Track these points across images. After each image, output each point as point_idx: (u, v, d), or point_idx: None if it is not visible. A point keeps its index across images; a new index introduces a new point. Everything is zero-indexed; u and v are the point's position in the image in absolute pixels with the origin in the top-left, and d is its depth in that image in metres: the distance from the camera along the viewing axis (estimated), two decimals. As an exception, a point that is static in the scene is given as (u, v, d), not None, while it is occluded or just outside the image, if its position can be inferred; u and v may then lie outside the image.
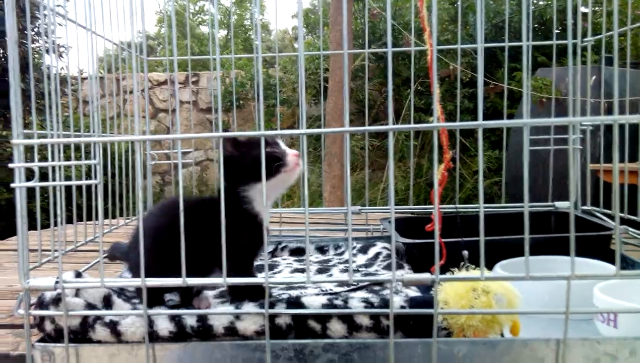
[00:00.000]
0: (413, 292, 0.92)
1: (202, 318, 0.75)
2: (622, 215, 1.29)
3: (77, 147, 1.17)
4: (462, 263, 0.81)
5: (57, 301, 0.76)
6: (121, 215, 1.55)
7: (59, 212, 1.05)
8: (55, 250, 1.10)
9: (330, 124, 3.31)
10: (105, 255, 0.99)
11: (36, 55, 2.85)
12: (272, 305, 0.76)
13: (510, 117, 2.85)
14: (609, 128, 1.49)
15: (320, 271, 1.13)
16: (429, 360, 0.71)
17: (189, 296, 0.90)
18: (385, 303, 0.74)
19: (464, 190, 3.45)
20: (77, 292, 0.80)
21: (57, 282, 0.74)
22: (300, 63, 0.73)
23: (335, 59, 3.32)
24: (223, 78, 4.20)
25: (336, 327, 0.74)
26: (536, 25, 3.75)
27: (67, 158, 1.13)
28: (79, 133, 1.24)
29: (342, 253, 1.34)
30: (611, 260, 0.78)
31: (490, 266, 1.01)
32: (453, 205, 1.42)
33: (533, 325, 0.85)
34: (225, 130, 0.85)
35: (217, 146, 0.87)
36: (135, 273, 0.87)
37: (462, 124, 0.75)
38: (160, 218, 0.87)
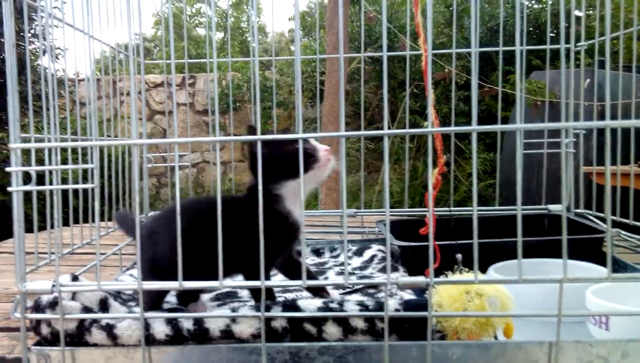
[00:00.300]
0: (408, 295, 0.92)
1: (198, 322, 0.76)
2: (614, 218, 1.30)
3: (74, 149, 1.17)
4: (455, 266, 0.82)
5: (53, 304, 0.76)
6: (117, 217, 1.55)
7: (55, 215, 1.05)
8: (52, 253, 1.10)
9: (326, 126, 3.31)
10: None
11: (32, 57, 2.84)
12: (268, 308, 0.76)
13: (504, 119, 2.87)
14: (601, 131, 1.50)
15: (316, 274, 1.14)
16: (423, 362, 0.72)
17: (193, 296, 0.90)
18: (380, 306, 0.75)
19: (458, 192, 3.47)
20: (74, 295, 0.80)
21: (53, 286, 0.74)
22: (296, 67, 0.73)
23: (332, 62, 3.33)
24: (220, 80, 4.21)
25: (331, 330, 0.75)
26: (531, 29, 3.77)
27: (64, 159, 1.13)
28: (75, 136, 1.24)
29: (337, 256, 1.34)
30: (604, 263, 0.79)
31: (484, 268, 1.02)
32: (447, 208, 1.43)
33: (527, 327, 0.86)
34: (251, 129, 0.83)
35: (213, 148, 0.87)
36: (153, 268, 0.85)
37: (457, 129, 0.76)
38: (187, 217, 0.86)
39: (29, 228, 0.86)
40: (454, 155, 1.70)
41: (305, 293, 0.97)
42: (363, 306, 0.77)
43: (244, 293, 1.01)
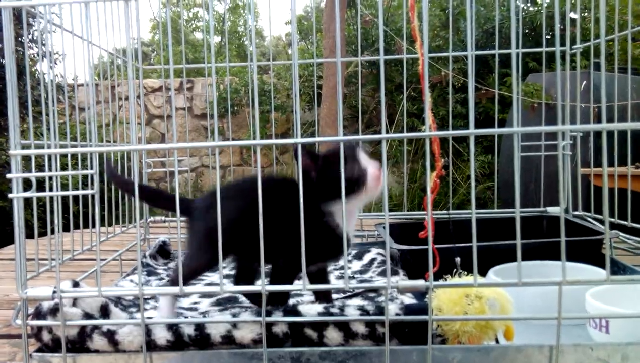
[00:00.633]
0: (408, 299, 0.93)
1: (199, 327, 0.76)
2: (612, 220, 1.30)
3: (74, 155, 1.17)
4: (454, 270, 0.82)
5: (54, 311, 0.76)
6: (117, 223, 1.55)
7: (55, 220, 1.05)
8: (53, 259, 1.10)
9: (324, 130, 3.32)
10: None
11: (31, 63, 2.84)
12: (268, 313, 0.76)
13: (502, 122, 2.87)
14: (599, 133, 1.51)
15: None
16: (424, 366, 0.72)
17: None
18: (380, 310, 0.75)
19: (457, 195, 3.47)
20: (75, 302, 0.80)
21: (54, 292, 0.74)
22: (294, 71, 0.74)
23: (329, 66, 3.34)
24: (218, 84, 4.21)
25: (332, 335, 0.75)
26: (527, 31, 3.78)
27: (64, 165, 1.13)
28: (75, 142, 1.24)
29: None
30: (603, 265, 0.79)
31: (483, 271, 1.03)
32: (446, 211, 1.43)
33: (527, 330, 0.86)
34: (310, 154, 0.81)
35: (212, 153, 0.87)
36: (200, 235, 0.87)
37: (454, 132, 0.76)
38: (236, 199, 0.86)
39: (29, 235, 0.86)
40: (452, 158, 1.71)
41: (307, 298, 0.97)
42: (364, 311, 0.77)
43: (244, 298, 1.01)
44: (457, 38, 3.76)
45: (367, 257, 1.31)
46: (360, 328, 0.75)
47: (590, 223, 1.35)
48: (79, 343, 0.76)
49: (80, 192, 0.83)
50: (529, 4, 3.99)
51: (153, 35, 8.73)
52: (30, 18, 1.58)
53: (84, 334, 0.76)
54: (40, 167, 1.02)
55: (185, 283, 0.81)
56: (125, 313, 0.88)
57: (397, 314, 0.74)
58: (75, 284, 0.83)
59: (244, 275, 0.94)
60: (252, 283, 0.93)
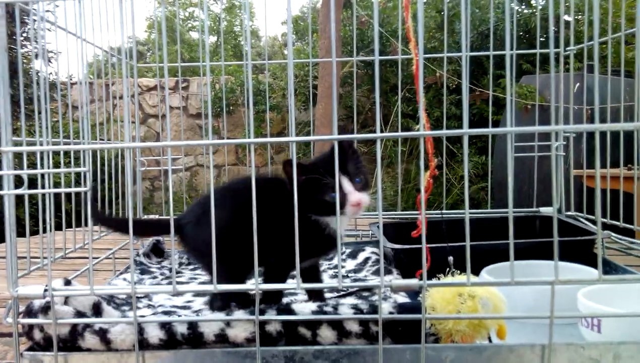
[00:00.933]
0: (402, 298, 0.93)
1: (192, 326, 0.76)
2: (604, 220, 1.31)
3: (67, 153, 1.16)
4: (447, 269, 0.82)
5: (46, 309, 0.76)
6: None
7: (47, 218, 1.04)
8: (44, 258, 1.10)
9: (319, 130, 3.32)
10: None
11: (25, 61, 2.82)
12: (262, 312, 0.76)
13: (496, 123, 2.89)
14: (591, 135, 1.52)
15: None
16: (417, 364, 0.72)
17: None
18: (374, 309, 0.75)
19: (451, 195, 3.48)
20: (66, 300, 0.80)
21: (46, 290, 0.74)
22: (289, 71, 0.74)
23: (325, 66, 3.34)
24: (213, 84, 4.20)
25: (326, 334, 0.75)
26: (521, 33, 3.80)
27: (56, 163, 1.12)
28: (68, 140, 1.23)
29: (331, 259, 1.34)
30: (595, 265, 0.80)
31: (476, 271, 1.03)
32: (439, 211, 1.44)
33: (520, 329, 0.86)
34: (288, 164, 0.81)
35: (207, 152, 0.87)
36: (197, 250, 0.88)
37: (448, 132, 0.77)
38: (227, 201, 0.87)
39: (21, 233, 0.86)
40: (447, 159, 1.71)
41: (300, 297, 0.97)
42: (357, 309, 0.77)
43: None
44: (452, 40, 3.78)
45: (361, 256, 1.31)
46: (354, 327, 0.75)
47: (583, 224, 1.36)
48: (71, 341, 0.75)
49: (72, 190, 0.83)
50: (523, 7, 4.02)
51: (149, 34, 8.71)
52: (24, 15, 1.57)
53: (76, 333, 0.75)
54: (32, 166, 1.01)
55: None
56: (118, 312, 0.88)
57: (390, 313, 0.75)
58: (67, 282, 0.83)
59: (236, 281, 0.93)
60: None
